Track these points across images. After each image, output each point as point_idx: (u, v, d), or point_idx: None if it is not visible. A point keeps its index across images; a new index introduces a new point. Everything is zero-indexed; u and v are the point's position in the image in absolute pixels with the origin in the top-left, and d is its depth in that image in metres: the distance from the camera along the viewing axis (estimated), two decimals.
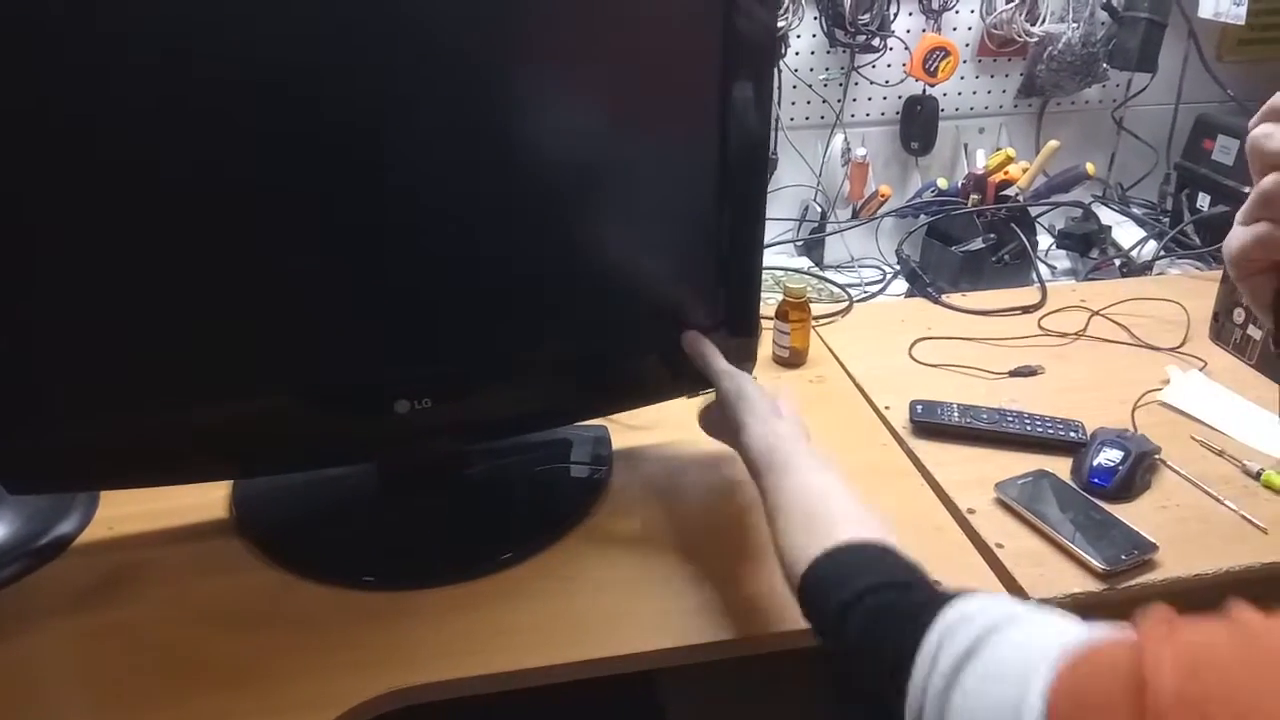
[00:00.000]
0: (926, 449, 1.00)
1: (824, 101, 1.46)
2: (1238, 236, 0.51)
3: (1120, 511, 0.88)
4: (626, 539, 0.88)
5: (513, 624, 0.77)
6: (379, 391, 0.81)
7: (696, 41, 0.75)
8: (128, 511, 0.90)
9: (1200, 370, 1.13)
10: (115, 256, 0.70)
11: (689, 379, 0.86)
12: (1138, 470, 0.91)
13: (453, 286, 0.79)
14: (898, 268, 1.44)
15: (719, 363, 0.83)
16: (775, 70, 1.39)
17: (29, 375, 0.74)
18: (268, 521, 0.89)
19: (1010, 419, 1.00)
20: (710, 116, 0.78)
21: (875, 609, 0.55)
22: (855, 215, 1.50)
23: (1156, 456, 0.94)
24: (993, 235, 1.37)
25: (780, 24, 1.35)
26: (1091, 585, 0.80)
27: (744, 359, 0.87)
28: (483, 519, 0.91)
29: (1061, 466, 0.95)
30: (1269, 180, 0.48)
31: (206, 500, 0.92)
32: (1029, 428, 0.99)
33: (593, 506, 0.91)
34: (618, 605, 0.79)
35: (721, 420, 0.81)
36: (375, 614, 0.78)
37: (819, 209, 1.49)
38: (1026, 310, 1.30)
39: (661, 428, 1.02)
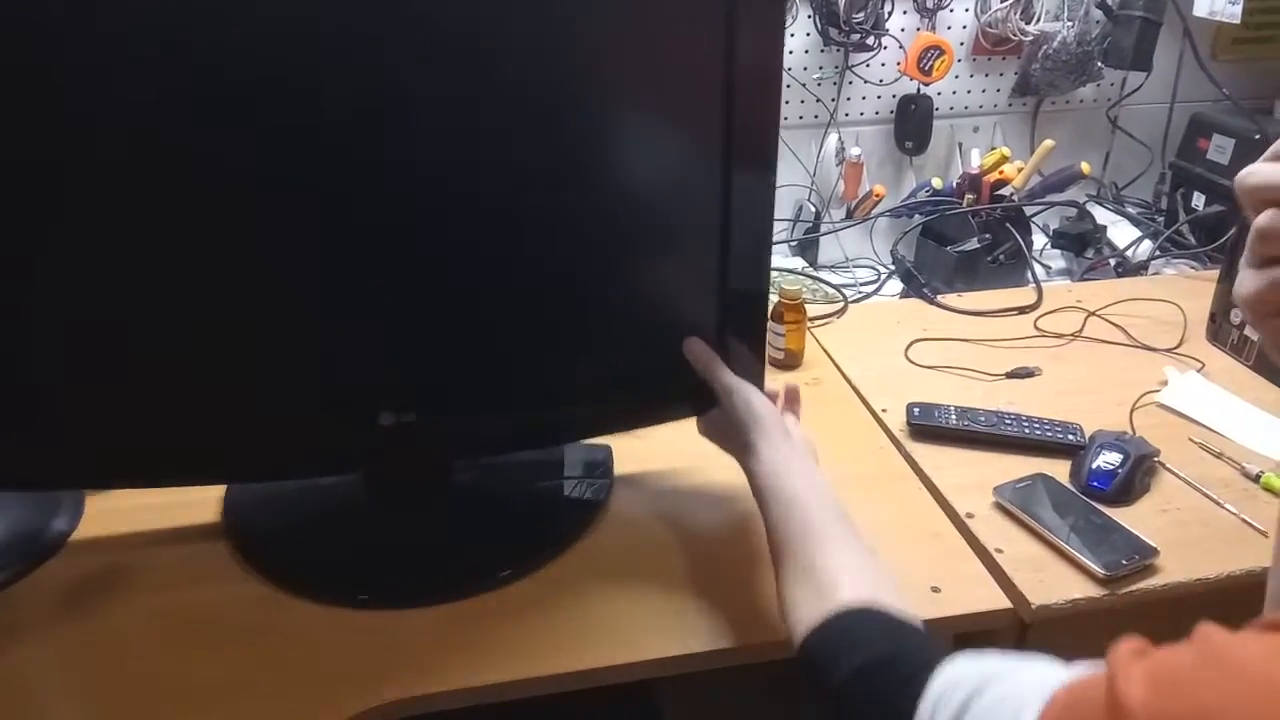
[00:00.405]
0: (924, 452, 0.99)
1: (818, 100, 1.45)
2: (1248, 282, 0.50)
3: (1120, 515, 0.87)
4: (628, 556, 0.85)
5: (513, 638, 0.76)
6: (368, 399, 0.80)
7: (701, 45, 0.72)
8: (117, 514, 0.89)
9: (1198, 371, 1.12)
10: (113, 257, 0.70)
11: (693, 398, 0.82)
12: (1137, 473, 0.91)
13: (452, 285, 0.77)
14: (892, 268, 1.44)
15: (725, 375, 0.79)
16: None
17: (28, 374, 0.74)
18: (259, 531, 0.87)
19: (1008, 421, 0.99)
20: (715, 119, 0.74)
21: (872, 684, 0.57)
22: (850, 215, 1.49)
23: (1155, 459, 0.94)
24: (988, 235, 1.36)
25: None
26: (1092, 591, 0.79)
27: (751, 372, 0.83)
28: (480, 534, 0.88)
29: (1060, 469, 0.94)
30: (1262, 218, 0.47)
31: (199, 498, 0.90)
32: (1027, 430, 0.98)
33: (593, 522, 0.89)
34: (622, 619, 0.78)
35: (725, 430, 0.79)
36: (369, 629, 0.77)
37: (813, 209, 1.48)
38: (1023, 311, 1.29)
39: (663, 440, 0.98)
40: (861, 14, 1.36)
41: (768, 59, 0.74)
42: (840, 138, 1.48)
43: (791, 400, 0.84)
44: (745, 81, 0.72)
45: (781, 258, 1.49)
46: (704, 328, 0.82)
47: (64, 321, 0.73)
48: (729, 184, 0.76)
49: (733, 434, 0.77)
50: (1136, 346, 1.20)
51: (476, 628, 0.77)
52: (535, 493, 0.95)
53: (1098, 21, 1.44)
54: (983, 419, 1.00)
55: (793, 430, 0.77)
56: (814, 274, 1.43)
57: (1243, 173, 0.48)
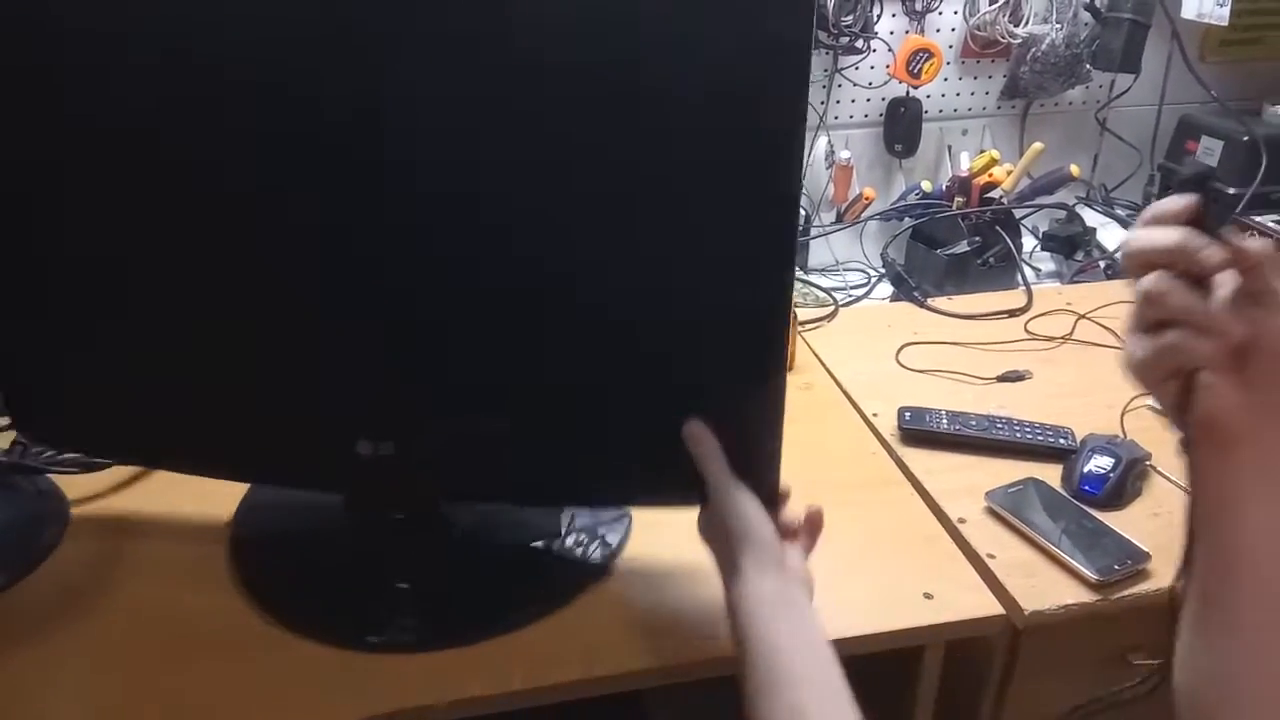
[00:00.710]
0: (915, 457, 0.98)
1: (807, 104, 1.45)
2: (1140, 348, 0.50)
3: (1112, 519, 0.87)
4: (643, 600, 0.81)
5: (515, 652, 0.75)
6: (349, 427, 0.77)
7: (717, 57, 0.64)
8: (116, 516, 0.89)
9: None
10: (111, 255, 0.70)
11: (702, 485, 0.69)
12: (1128, 477, 0.90)
13: (448, 294, 0.71)
14: (882, 271, 1.43)
15: (722, 475, 0.67)
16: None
17: (27, 372, 0.76)
18: (266, 546, 0.86)
19: (999, 426, 0.99)
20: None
21: None
22: (839, 218, 1.49)
23: (1147, 463, 0.93)
24: (977, 238, 1.36)
25: None
26: (1084, 596, 0.79)
27: (763, 471, 0.70)
28: (494, 578, 0.84)
29: (1052, 474, 0.94)
30: (1146, 280, 0.48)
31: (209, 490, 0.88)
32: (1018, 435, 0.98)
33: (598, 580, 0.83)
34: (633, 637, 0.77)
35: (717, 535, 0.68)
36: (372, 668, 0.74)
37: (803, 212, 1.48)
38: (1013, 314, 1.29)
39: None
40: (850, 17, 1.36)
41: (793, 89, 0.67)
42: (830, 141, 1.48)
43: (812, 528, 0.71)
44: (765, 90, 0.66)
45: None
46: (710, 408, 0.69)
47: (67, 320, 0.74)
48: (743, 224, 0.66)
49: (722, 541, 0.67)
50: None
51: (474, 649, 0.75)
52: (535, 548, 0.88)
53: (1086, 24, 1.44)
54: (974, 423, 1.00)
55: (792, 562, 0.66)
56: (804, 277, 1.42)
57: (1126, 239, 0.49)
